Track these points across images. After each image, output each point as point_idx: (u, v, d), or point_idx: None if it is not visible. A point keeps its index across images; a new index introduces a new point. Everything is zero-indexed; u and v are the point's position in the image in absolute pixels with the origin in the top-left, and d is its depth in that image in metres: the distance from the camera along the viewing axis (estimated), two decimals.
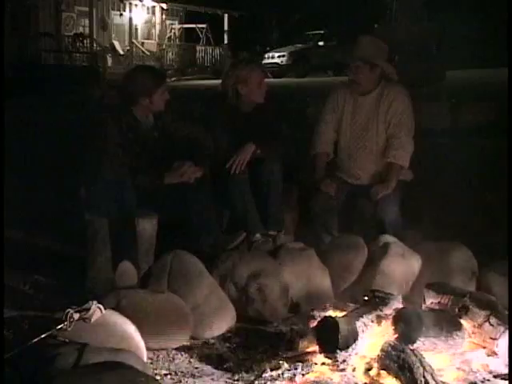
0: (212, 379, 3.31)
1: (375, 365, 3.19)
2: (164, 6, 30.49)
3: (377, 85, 4.88)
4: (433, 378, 3.00)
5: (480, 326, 3.48)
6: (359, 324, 3.29)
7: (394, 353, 3.12)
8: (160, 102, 4.48)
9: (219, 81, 5.08)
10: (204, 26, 31.26)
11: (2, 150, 3.85)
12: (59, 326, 3.03)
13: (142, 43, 29.43)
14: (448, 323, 3.41)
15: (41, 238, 4.93)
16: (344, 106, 4.96)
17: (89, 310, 3.14)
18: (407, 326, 3.33)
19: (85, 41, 26.10)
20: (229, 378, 3.30)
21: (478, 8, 21.14)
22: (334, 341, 3.22)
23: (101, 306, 3.21)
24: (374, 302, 3.51)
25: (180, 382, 3.27)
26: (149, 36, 30.65)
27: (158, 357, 3.53)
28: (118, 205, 4.22)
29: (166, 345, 3.60)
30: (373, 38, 5.15)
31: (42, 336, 2.98)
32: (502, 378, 3.23)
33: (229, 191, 4.65)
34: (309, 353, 3.36)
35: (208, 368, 3.44)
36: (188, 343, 3.71)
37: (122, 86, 4.53)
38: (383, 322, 3.39)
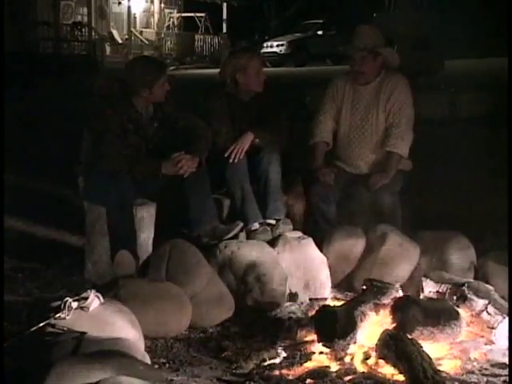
0: (210, 368, 3.32)
1: (373, 354, 3.20)
2: None
3: (378, 74, 4.87)
4: (430, 367, 3.01)
5: (478, 315, 3.49)
6: (357, 313, 3.30)
7: (392, 342, 3.13)
8: (160, 93, 4.47)
9: (218, 70, 5.06)
10: (203, 14, 31.21)
11: (2, 147, 3.85)
12: (58, 315, 3.03)
13: (141, 32, 29.38)
14: (446, 312, 3.42)
15: (40, 226, 4.92)
16: (344, 95, 4.94)
17: (87, 298, 3.15)
18: (405, 315, 3.33)
19: (83, 29, 26.04)
20: (227, 367, 3.30)
21: None
22: (332, 330, 3.23)
23: (99, 295, 3.22)
24: (372, 291, 3.51)
25: (178, 370, 3.28)
26: (147, 25, 30.60)
27: (156, 345, 3.54)
28: (116, 194, 4.22)
29: (164, 333, 3.61)
30: (372, 26, 5.14)
31: (41, 324, 2.99)
32: (499, 367, 3.24)
33: (227, 180, 4.65)
34: (307, 342, 3.38)
35: (206, 357, 3.45)
36: (186, 332, 3.71)
37: (123, 77, 4.51)
38: (381, 311, 3.40)
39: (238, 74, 4.80)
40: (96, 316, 3.13)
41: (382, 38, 4.89)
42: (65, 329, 2.98)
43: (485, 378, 3.15)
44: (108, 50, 26.56)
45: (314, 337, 3.35)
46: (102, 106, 4.42)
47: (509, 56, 6.16)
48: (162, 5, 31.19)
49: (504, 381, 3.12)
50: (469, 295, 3.54)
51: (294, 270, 4.21)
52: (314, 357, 3.26)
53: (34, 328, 2.98)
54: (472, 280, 4.07)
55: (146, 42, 28.77)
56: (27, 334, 2.97)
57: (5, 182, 4.21)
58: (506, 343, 3.38)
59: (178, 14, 31.83)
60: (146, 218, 4.45)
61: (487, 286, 3.79)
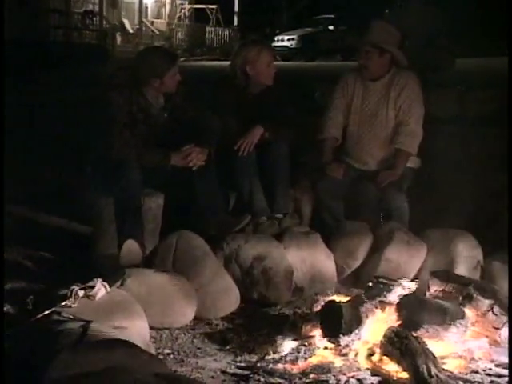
0: (214, 360, 3.33)
1: (378, 350, 3.20)
2: None
3: (387, 71, 4.85)
4: (435, 366, 3.00)
5: (483, 314, 3.49)
6: (363, 309, 3.30)
7: (396, 339, 3.13)
8: (171, 84, 4.46)
9: (228, 62, 5.05)
10: (214, 6, 31.13)
11: (2, 145, 3.85)
12: (64, 303, 3.05)
13: (152, 22, 29.34)
14: (451, 311, 3.41)
15: (48, 215, 4.93)
16: (354, 91, 4.93)
17: (93, 287, 3.16)
18: (411, 313, 3.33)
19: (94, 18, 25.99)
20: (231, 359, 3.31)
21: None
22: (337, 325, 3.23)
23: (105, 284, 3.23)
24: (378, 288, 3.52)
25: (182, 361, 3.29)
26: (158, 15, 30.55)
27: (161, 336, 3.55)
28: (124, 183, 4.22)
29: (169, 324, 3.62)
30: (384, 23, 5.11)
31: (46, 312, 3.00)
32: (503, 368, 3.23)
33: (236, 173, 4.65)
34: (312, 337, 3.37)
35: (211, 349, 3.46)
36: (191, 323, 3.72)
37: (134, 66, 4.51)
38: (387, 308, 3.40)
39: (249, 67, 4.79)
40: (102, 305, 3.14)
41: (392, 35, 4.86)
42: (71, 317, 2.99)
43: (489, 378, 3.14)
44: (119, 39, 26.52)
45: (318, 332, 3.34)
46: (113, 95, 4.41)
47: (509, 55, 6.13)
48: None
49: (508, 381, 3.11)
50: (475, 295, 3.53)
51: (300, 265, 4.21)
52: (318, 352, 3.26)
53: (39, 315, 2.99)
54: (478, 279, 4.07)
55: (157, 33, 28.72)
56: (33, 322, 2.98)
57: (12, 171, 4.20)
58: None
59: (190, 6, 31.75)
60: (153, 209, 4.46)
61: (493, 286, 3.79)
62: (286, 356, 3.24)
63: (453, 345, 3.34)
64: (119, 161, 4.27)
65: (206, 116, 4.65)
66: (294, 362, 3.19)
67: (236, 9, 31.80)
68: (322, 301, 3.61)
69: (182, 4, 31.39)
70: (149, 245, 4.25)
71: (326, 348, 3.27)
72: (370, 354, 3.21)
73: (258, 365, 3.19)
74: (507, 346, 3.36)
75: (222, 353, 3.40)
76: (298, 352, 3.25)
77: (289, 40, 25.72)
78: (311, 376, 3.08)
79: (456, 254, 4.25)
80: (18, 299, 3.48)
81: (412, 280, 4.16)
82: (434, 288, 3.69)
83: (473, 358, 3.29)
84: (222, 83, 5.01)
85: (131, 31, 27.77)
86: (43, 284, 3.87)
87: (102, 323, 2.96)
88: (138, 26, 28.36)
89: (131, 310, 3.21)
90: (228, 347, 3.44)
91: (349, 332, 3.22)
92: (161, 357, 3.27)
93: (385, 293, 3.46)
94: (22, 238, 4.42)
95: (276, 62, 5.12)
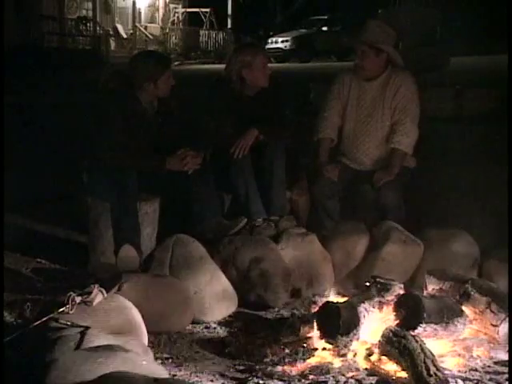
0: (213, 363, 3.32)
1: (376, 350, 3.20)
2: None
3: (383, 70, 4.85)
4: (433, 364, 3.00)
5: (481, 312, 3.49)
6: (360, 310, 3.30)
7: (395, 339, 3.13)
8: (165, 88, 4.48)
9: (222, 65, 5.05)
10: (207, 10, 31.18)
11: (1, 147, 3.84)
12: (61, 309, 3.04)
13: (146, 27, 29.37)
14: (449, 309, 3.41)
15: (43, 221, 4.93)
16: (349, 91, 4.93)
17: (91, 293, 3.15)
18: (408, 312, 3.33)
19: (88, 24, 26.05)
20: (230, 363, 3.31)
21: None
22: (335, 326, 3.23)
23: (103, 290, 3.22)
24: (375, 288, 3.51)
25: (181, 365, 3.29)
26: (152, 20, 30.59)
27: (159, 341, 3.54)
28: (120, 188, 4.22)
29: (167, 329, 3.61)
30: (380, 22, 5.10)
31: (44, 319, 2.99)
32: (502, 365, 3.23)
33: (231, 176, 4.65)
34: (310, 338, 3.37)
35: (209, 352, 3.45)
36: (189, 327, 3.72)
37: (128, 71, 4.52)
38: (384, 307, 3.39)
39: (244, 71, 4.80)
40: (99, 311, 3.13)
41: (387, 34, 4.86)
42: (68, 323, 2.99)
43: (488, 376, 3.14)
44: (113, 44, 26.58)
45: (316, 333, 3.35)
46: (107, 100, 4.42)
47: (509, 54, 6.14)
48: (167, 0, 31.16)
49: (507, 379, 3.11)
50: (472, 293, 3.53)
51: (297, 266, 4.21)
52: (316, 353, 3.26)
53: (37, 322, 2.98)
54: (475, 277, 4.07)
55: (151, 37, 28.76)
56: (31, 329, 2.97)
57: (9, 179, 4.21)
58: None
59: (183, 9, 31.79)
60: (149, 213, 4.46)
61: (491, 283, 3.79)
62: (284, 358, 3.24)
63: (451, 343, 3.34)
64: (115, 166, 4.27)
65: (201, 120, 4.66)
66: (292, 363, 3.19)
67: (229, 11, 31.85)
68: (319, 302, 3.61)
69: (175, 8, 31.42)
70: (145, 249, 4.25)
71: (324, 349, 3.27)
72: (369, 354, 3.21)
73: (257, 367, 3.18)
74: (506, 343, 3.37)
75: (220, 356, 3.39)
76: (297, 354, 3.25)
77: (283, 42, 25.79)
78: (310, 377, 3.07)
79: (453, 252, 4.26)
80: (16, 306, 3.48)
81: (409, 279, 4.19)
82: (432, 286, 3.69)
83: (471, 356, 3.29)
84: (216, 86, 5.01)
85: (125, 36, 27.83)
86: (40, 291, 3.87)
87: (99, 329, 2.96)
88: (131, 31, 28.40)
89: (129, 315, 3.21)
90: (226, 350, 3.43)
91: (347, 332, 3.22)
92: (159, 361, 3.27)
93: (382, 292, 3.45)
94: (18, 246, 4.42)
95: (270, 64, 5.12)
